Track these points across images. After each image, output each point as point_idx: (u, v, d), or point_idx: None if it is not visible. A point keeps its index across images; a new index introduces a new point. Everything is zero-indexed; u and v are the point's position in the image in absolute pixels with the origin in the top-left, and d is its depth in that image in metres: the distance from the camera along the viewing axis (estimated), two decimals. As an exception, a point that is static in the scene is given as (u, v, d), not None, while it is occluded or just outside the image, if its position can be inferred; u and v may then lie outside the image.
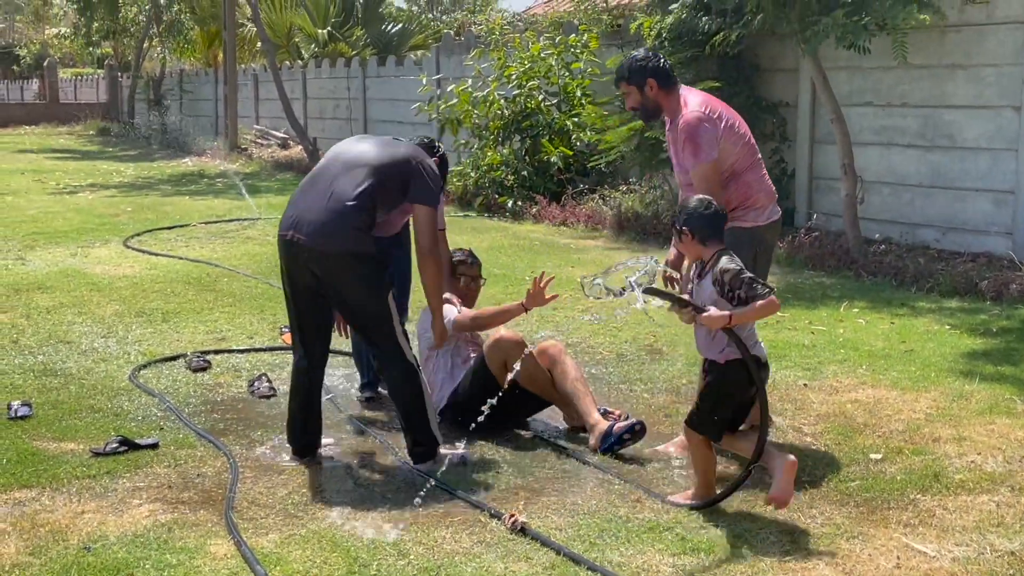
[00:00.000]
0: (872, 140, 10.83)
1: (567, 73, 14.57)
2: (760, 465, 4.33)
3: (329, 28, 27.47)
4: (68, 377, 6.48)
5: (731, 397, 4.36)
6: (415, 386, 4.99)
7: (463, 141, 15.48)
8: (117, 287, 9.19)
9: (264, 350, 7.18)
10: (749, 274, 4.23)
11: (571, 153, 14.07)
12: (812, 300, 8.58)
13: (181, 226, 13.22)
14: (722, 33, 10.51)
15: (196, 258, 10.73)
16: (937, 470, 4.85)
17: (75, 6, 30.58)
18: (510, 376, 5.14)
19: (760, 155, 5.29)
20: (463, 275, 5.96)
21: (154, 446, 5.24)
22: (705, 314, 4.24)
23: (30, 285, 9.20)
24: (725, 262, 4.27)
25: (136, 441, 5.24)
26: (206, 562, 3.97)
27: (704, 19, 10.95)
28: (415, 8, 36.06)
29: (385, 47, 26.86)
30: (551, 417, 5.71)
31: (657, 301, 4.28)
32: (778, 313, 4.56)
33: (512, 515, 4.31)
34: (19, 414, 5.67)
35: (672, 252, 5.44)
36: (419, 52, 24.75)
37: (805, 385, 6.24)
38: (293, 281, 5.01)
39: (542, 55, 14.66)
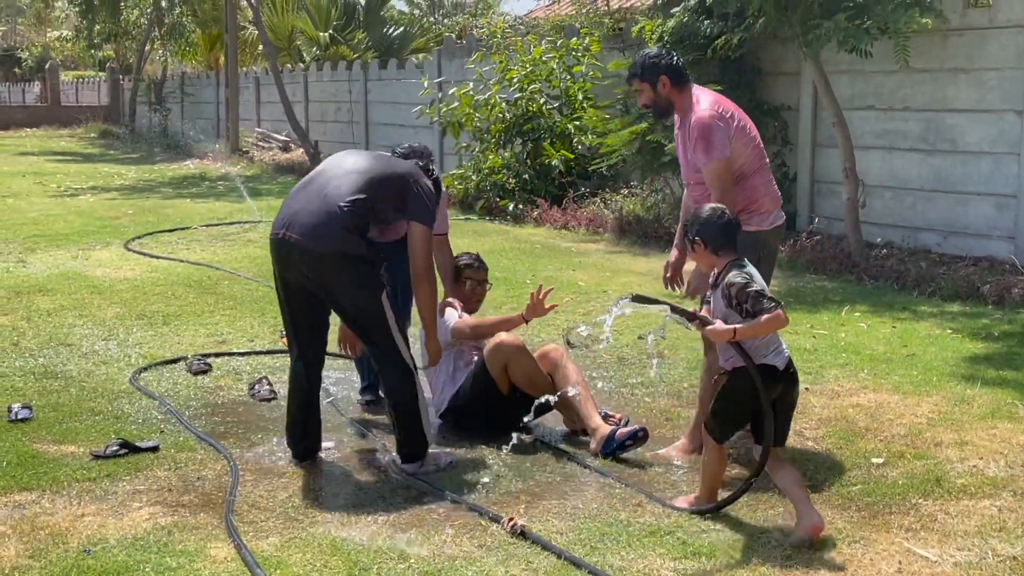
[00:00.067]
0: (874, 144, 10.82)
1: (569, 76, 14.57)
2: (767, 472, 4.31)
3: (331, 31, 27.50)
4: (68, 380, 6.47)
5: (740, 404, 4.28)
6: (410, 387, 4.98)
7: (464, 144, 15.48)
8: (118, 290, 9.19)
9: (265, 353, 7.18)
10: (756, 287, 4.17)
11: (572, 156, 14.07)
12: (813, 304, 8.57)
13: (182, 229, 13.22)
14: (724, 36, 10.51)
15: (197, 261, 10.73)
16: (939, 474, 4.83)
17: (77, 9, 30.55)
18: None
19: (767, 159, 5.28)
20: (469, 279, 5.94)
21: (154, 449, 5.23)
22: (710, 327, 4.22)
23: (31, 288, 9.19)
24: (733, 275, 4.22)
25: (136, 444, 5.24)
26: (206, 565, 3.96)
27: (706, 22, 10.95)
28: (417, 11, 36.09)
29: (387, 50, 26.89)
30: (552, 421, 5.69)
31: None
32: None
33: (511, 518, 4.30)
34: (19, 417, 5.66)
35: (674, 252, 5.43)
36: (420, 55, 24.77)
37: (807, 389, 6.22)
38: (286, 283, 5.01)
39: (544, 58, 14.66)
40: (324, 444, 5.28)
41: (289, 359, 5.26)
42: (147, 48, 32.56)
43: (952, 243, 10.13)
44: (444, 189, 6.03)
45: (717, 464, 4.43)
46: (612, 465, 5.05)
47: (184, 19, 30.79)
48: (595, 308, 8.44)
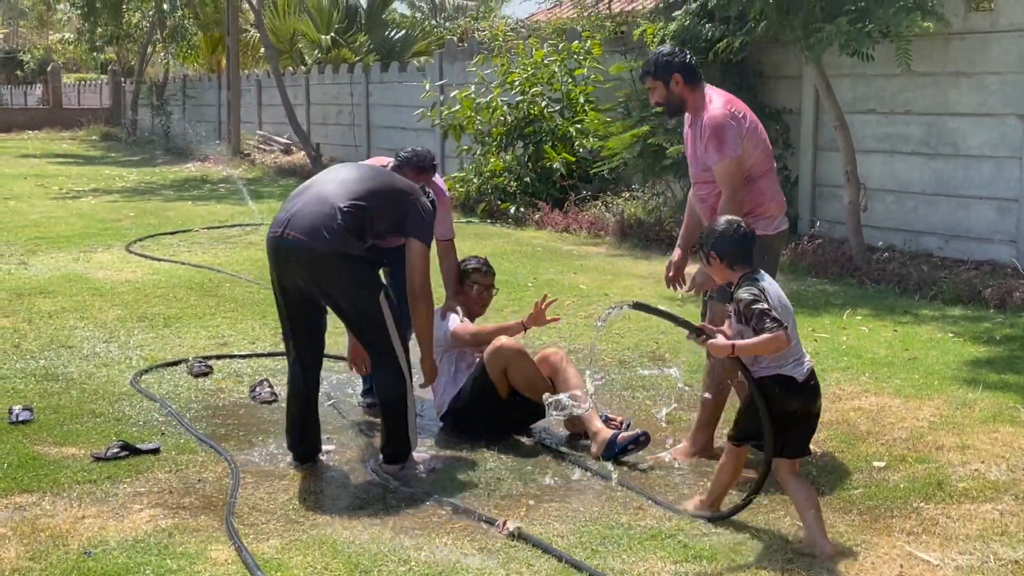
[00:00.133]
0: (875, 147, 10.82)
1: (570, 79, 14.57)
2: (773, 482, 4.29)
3: (332, 34, 27.52)
4: (69, 382, 6.47)
5: (754, 412, 4.20)
6: (401, 388, 4.98)
7: (466, 147, 15.48)
8: (119, 292, 9.19)
9: (266, 355, 7.17)
10: (762, 306, 4.09)
11: (574, 159, 14.06)
12: (815, 307, 8.56)
13: (183, 231, 13.22)
14: (726, 40, 10.52)
15: (198, 263, 10.73)
16: (940, 478, 4.83)
17: (79, 11, 30.57)
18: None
19: (775, 164, 5.28)
20: (477, 283, 5.94)
21: (155, 451, 5.23)
22: (711, 341, 4.20)
23: (32, 290, 9.19)
24: (742, 291, 4.16)
25: (137, 446, 5.23)
26: (207, 568, 3.96)
27: (708, 26, 10.95)
28: (418, 14, 36.10)
29: (388, 53, 26.91)
30: (553, 424, 5.69)
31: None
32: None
33: (505, 521, 4.30)
34: (20, 418, 5.66)
35: (677, 252, 5.42)
36: (422, 58, 24.79)
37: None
38: (283, 287, 5.01)
39: (545, 61, 14.66)
40: (325, 447, 5.28)
41: (287, 362, 5.26)
42: (149, 51, 32.59)
43: (954, 247, 10.12)
44: (447, 193, 6.04)
45: (731, 474, 4.39)
46: (613, 468, 5.04)
47: (186, 22, 30.83)
48: (596, 311, 8.44)
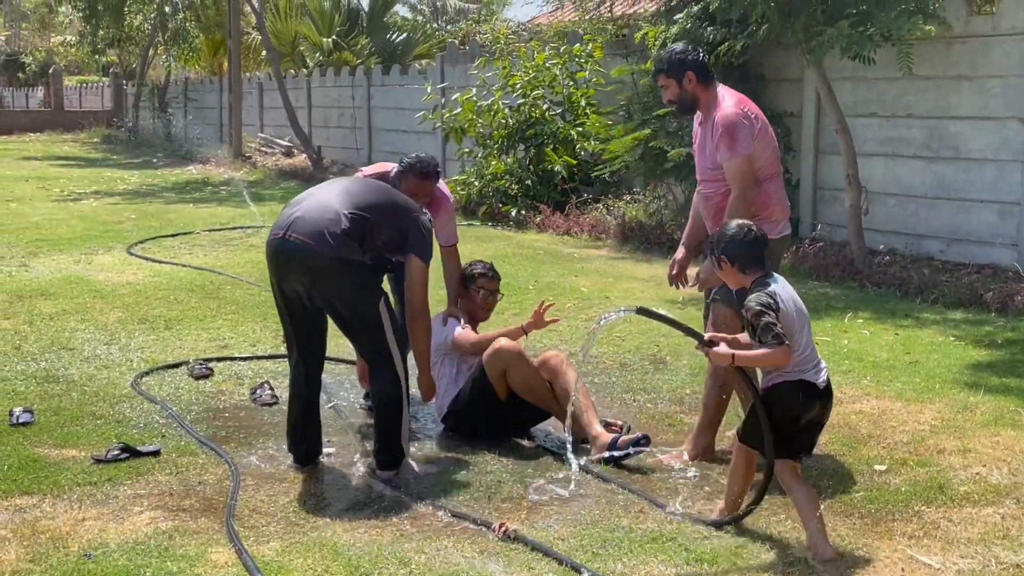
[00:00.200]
0: (877, 151, 10.81)
1: (571, 82, 14.57)
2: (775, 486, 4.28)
3: (334, 37, 27.54)
4: (70, 384, 6.47)
5: (776, 417, 4.15)
6: (397, 394, 4.99)
7: (467, 150, 15.48)
8: (120, 294, 9.19)
9: (266, 358, 7.17)
10: (768, 319, 4.03)
11: (575, 162, 14.06)
12: (816, 311, 8.55)
13: (185, 233, 13.23)
14: (727, 43, 10.52)
15: (199, 265, 10.73)
16: (942, 482, 4.82)
17: (81, 14, 30.60)
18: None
19: (781, 168, 5.27)
20: (482, 288, 5.94)
21: (156, 453, 5.23)
22: (714, 349, 4.17)
23: (33, 292, 9.19)
24: (751, 299, 4.11)
25: (138, 448, 5.23)
26: (207, 570, 3.96)
27: (709, 29, 10.95)
28: (420, 18, 36.12)
29: (390, 56, 26.93)
30: (553, 427, 5.68)
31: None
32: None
33: (502, 524, 4.29)
34: (21, 420, 5.66)
35: (681, 251, 5.42)
36: (424, 61, 24.80)
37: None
38: (284, 293, 5.01)
39: (547, 64, 14.66)
40: (325, 449, 5.27)
41: (288, 364, 5.26)
42: (151, 53, 32.61)
43: (955, 250, 10.12)
44: (451, 199, 6.04)
45: (744, 476, 4.34)
46: (613, 471, 5.04)
47: (187, 24, 30.87)
48: (597, 314, 8.43)
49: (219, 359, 7.09)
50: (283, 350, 7.17)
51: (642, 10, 15.80)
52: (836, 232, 11.04)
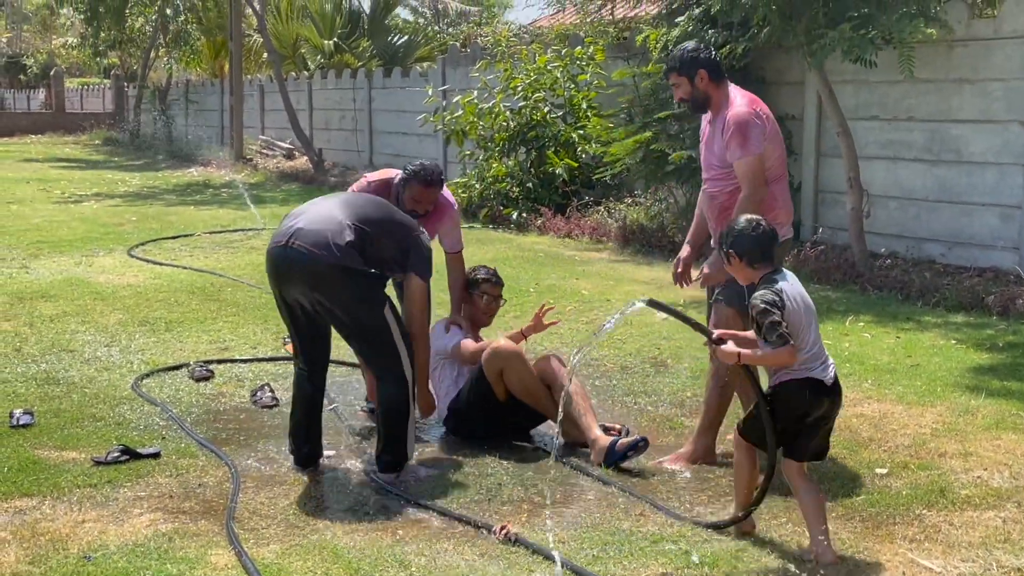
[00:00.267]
0: (878, 154, 10.81)
1: (573, 85, 14.58)
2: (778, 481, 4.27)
3: (335, 39, 27.54)
4: (70, 386, 6.46)
5: (787, 418, 4.12)
6: (404, 400, 4.99)
7: (468, 152, 15.48)
8: (121, 296, 9.18)
9: (267, 360, 7.17)
10: (773, 317, 3.98)
11: (576, 165, 14.06)
12: (817, 314, 8.52)
13: (185, 236, 13.23)
14: (728, 46, 10.51)
15: (200, 268, 10.73)
16: (943, 485, 4.81)
17: (82, 16, 30.60)
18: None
19: (787, 171, 5.27)
20: (486, 293, 5.94)
21: (156, 455, 5.22)
22: (722, 347, 4.15)
23: (34, 294, 9.19)
24: (757, 296, 4.06)
25: (138, 450, 5.23)
26: (207, 572, 3.95)
27: (710, 32, 10.95)
28: (421, 20, 36.12)
29: (391, 58, 26.92)
30: (553, 429, 5.67)
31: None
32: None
33: (503, 526, 4.29)
34: (21, 422, 5.65)
35: (685, 249, 5.41)
36: (425, 64, 24.79)
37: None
38: (286, 302, 5.02)
39: (548, 67, 14.67)
40: (326, 452, 5.27)
41: (293, 365, 5.27)
42: (152, 55, 32.62)
43: (956, 253, 10.11)
44: (455, 206, 6.05)
45: (749, 471, 4.29)
46: (614, 474, 5.03)
47: (189, 26, 30.88)
48: (598, 317, 8.43)
49: (219, 361, 7.08)
50: (283, 352, 7.20)
51: (643, 13, 15.79)
52: (837, 235, 11.03)
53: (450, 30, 33.04)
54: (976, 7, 9.99)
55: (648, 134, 11.65)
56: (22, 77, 50.26)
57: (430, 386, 5.58)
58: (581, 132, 14.09)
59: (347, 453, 5.41)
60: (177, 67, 33.24)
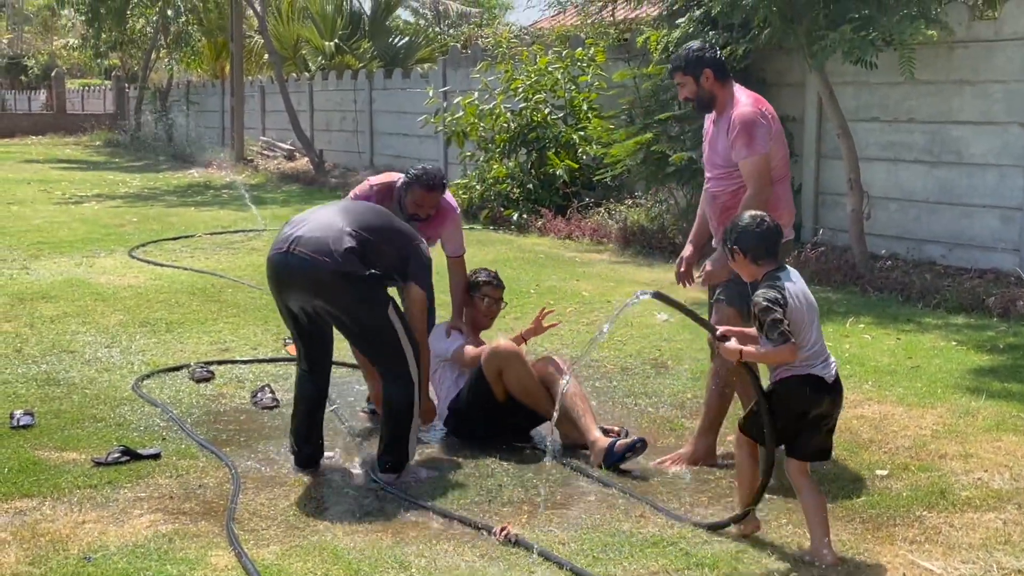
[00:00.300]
0: (879, 155, 10.81)
1: (573, 87, 14.58)
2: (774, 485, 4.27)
3: (336, 41, 27.55)
4: (71, 387, 6.46)
5: (788, 415, 4.12)
6: (409, 401, 4.99)
7: (469, 153, 15.48)
8: (121, 297, 9.18)
9: (268, 361, 7.17)
10: (775, 315, 3.96)
11: (577, 166, 14.06)
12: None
13: (186, 237, 13.23)
14: (729, 47, 10.51)
15: (201, 269, 10.73)
16: (943, 487, 4.81)
17: (83, 17, 30.61)
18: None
19: (790, 172, 5.27)
20: (487, 296, 5.94)
21: (156, 456, 5.22)
22: (725, 344, 4.14)
23: (34, 294, 9.19)
24: (760, 293, 4.05)
25: (138, 451, 5.23)
26: (207, 573, 3.95)
27: (711, 33, 10.95)
28: (422, 21, 36.12)
29: (392, 60, 26.93)
30: (554, 430, 5.67)
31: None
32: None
33: (503, 527, 4.29)
34: (22, 423, 5.65)
35: (688, 248, 5.40)
36: (426, 65, 24.79)
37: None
38: (289, 310, 5.03)
39: (549, 68, 14.67)
40: (326, 453, 5.27)
41: (294, 366, 5.27)
42: (153, 56, 32.63)
43: (957, 255, 10.11)
44: (458, 211, 6.06)
45: (751, 468, 4.28)
46: (614, 475, 5.03)
47: (190, 28, 30.88)
48: (599, 318, 8.43)
49: (220, 362, 7.08)
50: (284, 353, 7.20)
51: (644, 15, 15.80)
52: (838, 237, 11.03)
53: (451, 31, 33.06)
54: (977, 9, 9.99)
55: (649, 136, 11.66)
56: (23, 78, 50.24)
57: (431, 391, 5.58)
58: (582, 133, 14.10)
59: (347, 454, 5.41)
60: (178, 68, 33.25)
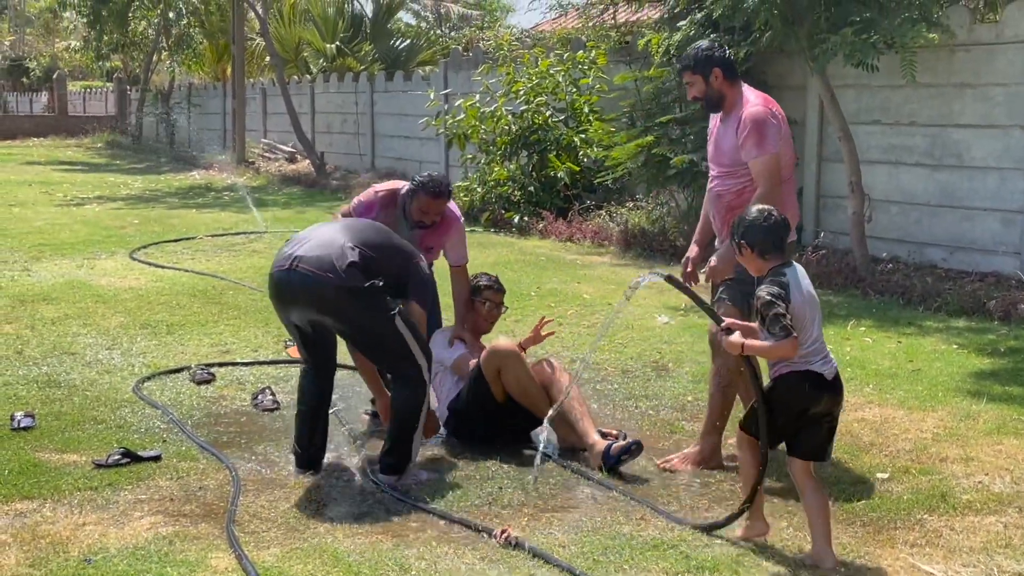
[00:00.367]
0: (880, 158, 10.81)
1: (575, 89, 14.59)
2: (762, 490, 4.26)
3: (338, 43, 27.57)
4: (72, 388, 6.46)
5: (786, 413, 4.12)
6: (417, 405, 5.00)
7: (470, 156, 15.49)
8: (122, 299, 9.19)
9: (268, 363, 7.17)
10: (778, 310, 3.98)
11: (578, 169, 14.07)
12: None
13: (187, 239, 13.23)
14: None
15: (202, 271, 10.73)
16: (944, 490, 4.81)
17: (85, 19, 30.64)
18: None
19: (795, 174, 5.27)
20: (488, 300, 5.95)
21: (156, 458, 5.22)
22: (729, 337, 4.14)
23: (35, 296, 9.19)
24: (763, 288, 4.06)
25: (139, 453, 5.23)
26: (207, 575, 3.96)
27: (712, 36, 10.94)
28: (423, 24, 36.16)
29: (393, 62, 26.95)
30: (547, 429, 5.67)
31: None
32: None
33: (504, 530, 4.28)
34: (22, 425, 5.65)
35: (693, 248, 5.40)
36: (427, 67, 24.82)
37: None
38: (295, 324, 5.05)
39: (550, 71, 14.68)
40: (327, 455, 5.27)
41: (294, 369, 5.27)
42: (154, 59, 32.66)
43: (958, 258, 10.11)
44: (461, 220, 6.07)
45: (755, 466, 4.24)
46: (614, 478, 5.02)
47: (191, 30, 30.91)
48: (600, 320, 8.43)
49: (221, 364, 7.09)
50: (285, 356, 7.20)
51: (645, 17, 15.81)
52: (839, 240, 11.03)
53: (452, 34, 33.10)
54: (978, 12, 10.00)
55: (650, 138, 11.66)
56: (25, 80, 50.25)
57: (432, 397, 5.58)
58: (583, 136, 14.10)
59: (348, 456, 5.41)
60: (179, 70, 33.26)
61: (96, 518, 4.49)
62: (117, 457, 5.15)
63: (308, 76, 26.95)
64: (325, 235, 4.98)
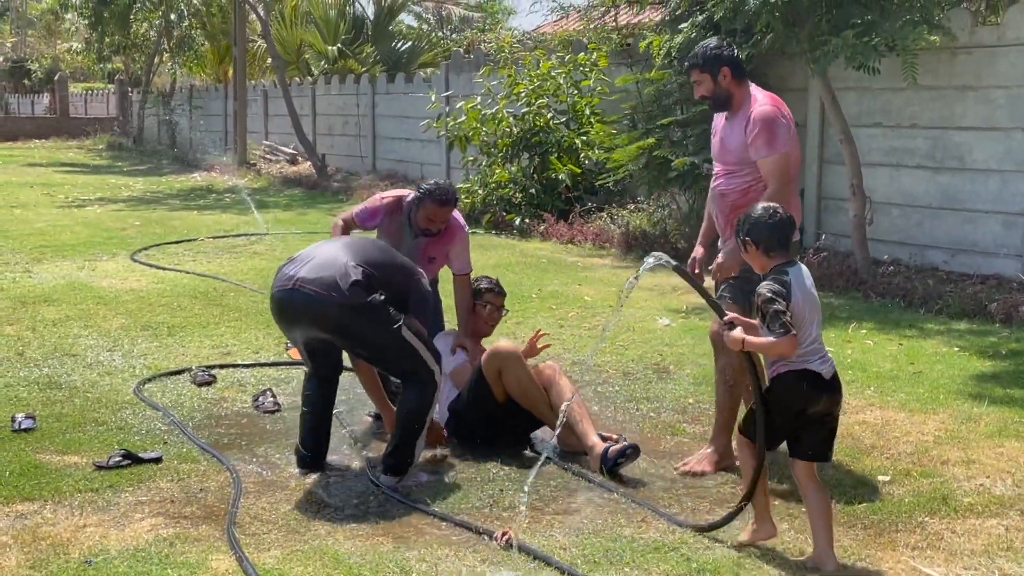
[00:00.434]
0: (881, 161, 10.81)
1: (576, 91, 14.59)
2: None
3: (339, 45, 27.59)
4: (73, 390, 6.46)
5: (784, 412, 4.12)
6: (424, 409, 5.00)
7: (471, 158, 15.50)
8: (123, 301, 9.19)
9: (269, 365, 7.16)
10: (778, 307, 3.97)
11: (579, 171, 14.07)
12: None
13: (189, 240, 13.24)
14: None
15: (203, 272, 10.73)
16: (945, 493, 4.81)
17: (86, 21, 30.66)
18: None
19: (799, 175, 5.27)
20: (489, 303, 5.96)
21: (157, 460, 5.22)
22: (731, 333, 4.14)
23: (37, 298, 9.19)
24: (764, 285, 4.05)
25: (139, 455, 5.22)
26: (207, 577, 3.95)
27: (713, 38, 10.94)
28: (425, 26, 36.17)
29: (395, 64, 26.97)
30: (551, 434, 5.67)
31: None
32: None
33: (504, 532, 4.28)
34: (23, 427, 5.65)
35: (698, 249, 5.40)
36: (428, 69, 24.84)
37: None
38: (300, 339, 5.06)
39: (551, 73, 14.68)
40: (328, 457, 5.27)
41: (295, 370, 5.28)
42: (156, 60, 32.68)
43: (959, 261, 10.10)
44: (466, 228, 6.07)
45: (753, 465, 4.23)
46: (615, 481, 5.02)
47: (193, 32, 30.93)
48: (600, 322, 8.43)
49: (222, 366, 7.08)
50: (286, 358, 7.20)
51: (647, 20, 15.81)
52: (840, 242, 11.03)
53: (454, 36, 33.11)
54: (980, 14, 10.00)
55: (651, 140, 11.66)
56: (26, 82, 50.27)
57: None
58: (584, 138, 14.10)
59: (349, 458, 5.40)
60: (181, 72, 33.30)
61: (97, 520, 4.49)
62: (118, 459, 5.15)
63: (309, 78, 26.98)
64: (327, 254, 4.98)
